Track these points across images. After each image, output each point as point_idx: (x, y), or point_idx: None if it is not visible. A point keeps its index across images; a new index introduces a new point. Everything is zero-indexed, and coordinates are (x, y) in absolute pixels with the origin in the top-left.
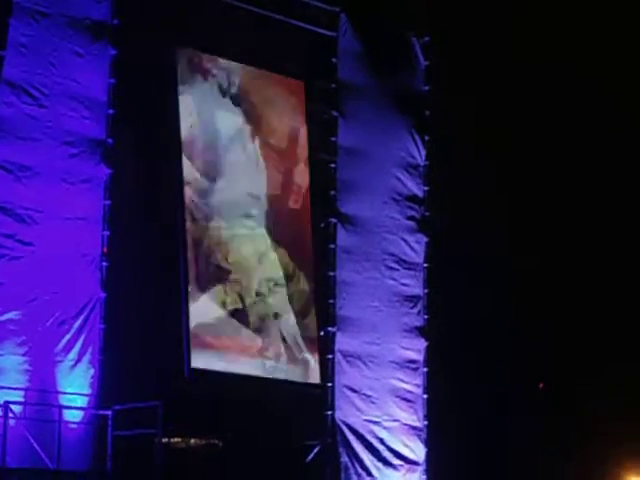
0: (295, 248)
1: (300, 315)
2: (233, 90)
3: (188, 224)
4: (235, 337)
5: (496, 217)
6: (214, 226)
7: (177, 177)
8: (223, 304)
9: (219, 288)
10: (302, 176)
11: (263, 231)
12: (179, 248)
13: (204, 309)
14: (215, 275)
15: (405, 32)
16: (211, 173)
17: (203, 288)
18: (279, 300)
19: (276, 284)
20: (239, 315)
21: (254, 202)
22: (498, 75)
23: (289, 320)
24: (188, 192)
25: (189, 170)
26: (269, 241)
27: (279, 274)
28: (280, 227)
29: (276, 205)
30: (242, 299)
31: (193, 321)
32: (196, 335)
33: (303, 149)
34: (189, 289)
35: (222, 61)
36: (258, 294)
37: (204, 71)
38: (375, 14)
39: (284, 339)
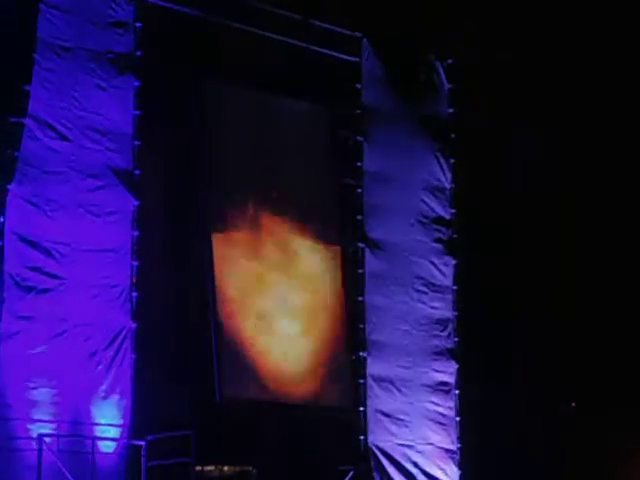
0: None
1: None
2: (265, 133)
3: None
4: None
5: (524, 237)
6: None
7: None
8: None
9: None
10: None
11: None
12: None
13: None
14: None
15: (428, 55)
16: None
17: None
18: None
19: None
20: None
21: None
22: (523, 96)
23: None
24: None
25: None
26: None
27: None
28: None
29: None
30: None
31: None
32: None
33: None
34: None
35: (250, 94)
36: None
37: (231, 106)
38: (397, 38)
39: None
